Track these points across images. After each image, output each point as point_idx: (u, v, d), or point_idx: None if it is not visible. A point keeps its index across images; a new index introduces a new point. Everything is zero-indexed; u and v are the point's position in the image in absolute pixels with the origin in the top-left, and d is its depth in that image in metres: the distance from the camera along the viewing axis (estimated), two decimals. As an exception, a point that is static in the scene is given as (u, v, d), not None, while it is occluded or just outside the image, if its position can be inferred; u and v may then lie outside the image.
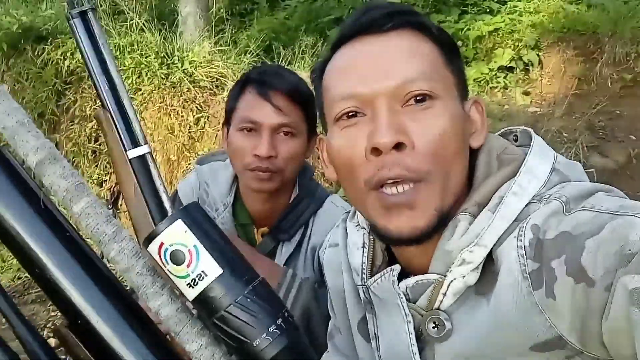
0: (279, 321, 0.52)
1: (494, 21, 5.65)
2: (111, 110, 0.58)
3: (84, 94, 4.43)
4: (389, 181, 0.69)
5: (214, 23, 5.19)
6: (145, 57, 4.27)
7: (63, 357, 0.61)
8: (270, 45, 5.43)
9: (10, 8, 4.84)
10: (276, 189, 1.28)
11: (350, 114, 0.72)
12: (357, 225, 0.83)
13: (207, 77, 4.22)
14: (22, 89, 4.59)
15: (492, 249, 0.67)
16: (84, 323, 0.53)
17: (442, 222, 0.70)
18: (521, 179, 0.69)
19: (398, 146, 0.68)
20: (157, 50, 4.31)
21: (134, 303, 0.56)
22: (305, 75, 1.30)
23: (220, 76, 4.26)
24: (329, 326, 1.00)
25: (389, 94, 0.70)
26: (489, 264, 0.68)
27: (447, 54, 0.75)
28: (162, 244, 0.52)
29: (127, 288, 0.60)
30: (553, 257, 0.61)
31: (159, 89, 4.18)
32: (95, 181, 4.33)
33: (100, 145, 4.37)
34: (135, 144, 0.58)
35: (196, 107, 4.15)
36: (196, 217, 0.53)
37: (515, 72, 5.37)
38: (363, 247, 0.81)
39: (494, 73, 5.36)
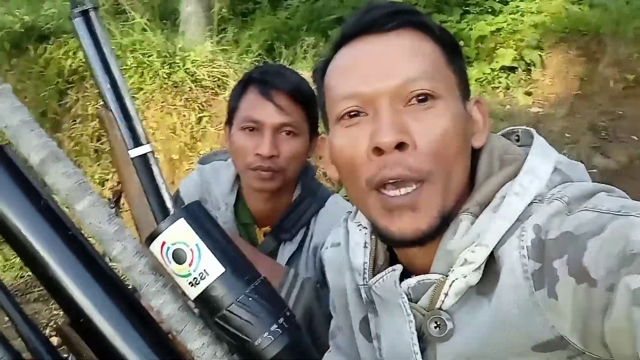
0: (281, 320, 0.52)
1: (496, 21, 5.64)
2: (113, 110, 0.58)
3: (86, 93, 4.43)
4: (391, 181, 0.69)
5: (216, 22, 5.20)
6: (148, 57, 4.28)
7: (65, 355, 0.61)
8: (272, 44, 5.43)
9: (12, 7, 4.85)
10: (278, 188, 1.28)
11: (352, 113, 0.72)
12: (358, 225, 0.83)
13: (209, 77, 4.23)
14: (25, 88, 4.60)
15: (493, 249, 0.67)
16: (86, 321, 0.53)
17: (444, 222, 0.70)
18: (523, 178, 0.69)
19: (400, 146, 0.68)
20: (159, 49, 4.31)
21: (136, 302, 0.56)
22: (307, 74, 1.30)
23: (222, 76, 4.26)
24: (331, 326, 1.01)
25: (391, 94, 0.70)
26: (491, 264, 0.68)
27: (449, 53, 0.75)
28: (164, 242, 0.52)
29: (129, 287, 0.60)
30: (555, 257, 0.61)
31: (161, 88, 4.19)
32: (97, 180, 4.34)
33: (102, 144, 4.38)
34: (137, 143, 0.58)
35: (198, 106, 4.16)
36: (198, 216, 0.53)
37: (517, 72, 5.37)
38: (365, 246, 0.81)
39: (495, 73, 5.36)
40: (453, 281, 0.69)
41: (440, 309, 0.71)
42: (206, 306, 0.52)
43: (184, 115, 4.14)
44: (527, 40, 5.37)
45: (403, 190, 0.69)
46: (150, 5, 5.27)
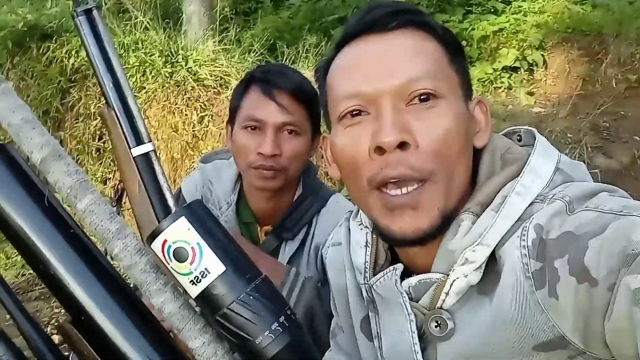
0: (282, 319, 0.52)
1: (498, 21, 5.63)
2: (115, 108, 0.58)
3: (88, 92, 4.44)
4: (392, 180, 0.69)
5: (218, 22, 5.19)
6: (150, 56, 4.28)
7: (67, 353, 0.61)
8: (274, 44, 5.42)
9: (15, 6, 4.86)
10: (280, 187, 1.28)
11: (354, 112, 0.72)
12: (360, 224, 0.83)
13: (211, 76, 4.23)
14: (27, 86, 4.60)
15: (495, 248, 0.67)
16: (87, 319, 0.53)
17: (445, 222, 0.70)
18: (525, 178, 0.69)
19: (402, 145, 0.68)
20: (161, 48, 4.31)
21: (137, 300, 0.56)
22: (309, 74, 1.30)
23: (224, 75, 4.26)
24: (332, 325, 1.01)
25: (393, 93, 0.70)
26: (492, 263, 0.68)
27: (451, 53, 0.75)
28: (165, 241, 0.52)
29: (131, 285, 0.60)
30: (556, 257, 0.61)
31: (163, 87, 4.19)
32: (99, 179, 4.34)
33: (104, 143, 4.39)
34: (139, 141, 0.58)
35: (200, 105, 4.16)
36: (199, 214, 0.53)
37: (519, 72, 5.35)
38: (366, 246, 0.81)
39: (498, 73, 5.34)
40: (454, 280, 0.69)
41: (441, 308, 0.71)
42: (207, 304, 0.52)
43: (186, 114, 4.14)
44: (529, 40, 5.36)
45: (404, 190, 0.69)
46: (152, 4, 5.27)
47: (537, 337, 0.64)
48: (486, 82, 5.31)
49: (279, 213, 1.35)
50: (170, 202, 0.59)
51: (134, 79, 4.18)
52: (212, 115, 4.14)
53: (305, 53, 5.00)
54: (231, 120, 1.33)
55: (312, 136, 1.30)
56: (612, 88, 4.91)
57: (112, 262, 0.58)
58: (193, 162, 3.97)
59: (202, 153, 3.86)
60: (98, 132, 4.39)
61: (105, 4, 5.14)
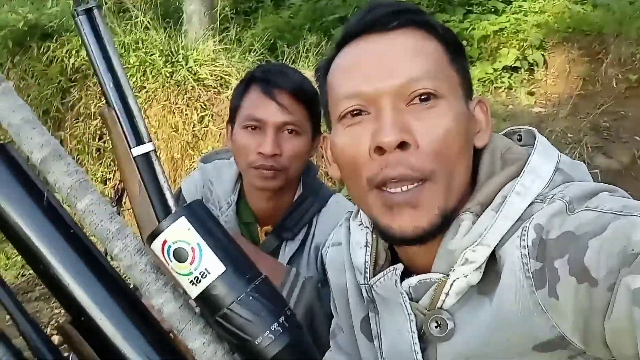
0: (282, 319, 0.52)
1: (498, 21, 5.63)
2: (116, 108, 0.58)
3: (88, 92, 4.44)
4: (393, 180, 0.69)
5: (218, 21, 5.19)
6: (150, 55, 4.28)
7: (66, 354, 0.61)
8: (275, 43, 5.42)
9: (16, 5, 4.86)
10: (280, 187, 1.28)
11: (354, 112, 0.72)
12: (360, 224, 0.83)
13: (211, 76, 4.23)
14: (27, 86, 4.61)
15: (495, 248, 0.67)
16: (87, 320, 0.53)
17: (445, 221, 0.70)
18: (525, 178, 0.69)
19: (402, 145, 0.68)
20: (161, 48, 4.31)
21: (137, 300, 0.56)
22: (309, 74, 1.30)
23: (224, 74, 4.27)
24: (332, 325, 1.01)
25: (394, 93, 0.70)
26: (492, 263, 0.68)
27: (452, 53, 0.75)
28: (165, 241, 0.52)
29: (131, 285, 0.60)
30: (556, 257, 0.61)
31: (163, 87, 4.19)
32: (99, 179, 4.34)
33: (104, 142, 4.39)
34: (139, 141, 0.58)
35: (200, 105, 4.16)
36: (199, 214, 0.53)
37: (520, 72, 5.35)
38: (366, 246, 0.81)
39: (498, 73, 5.34)
40: (454, 281, 0.69)
41: (441, 308, 0.71)
42: (207, 305, 0.52)
43: (186, 114, 4.14)
44: (530, 40, 5.35)
45: (404, 187, 0.68)
46: (153, 4, 5.27)
47: (537, 337, 0.64)
48: (486, 82, 5.31)
49: (279, 213, 1.35)
50: (171, 202, 0.59)
51: (134, 79, 4.18)
52: (212, 115, 4.14)
53: (306, 53, 5.00)
54: (231, 120, 1.33)
55: (312, 136, 1.30)
56: (612, 88, 4.90)
57: (112, 263, 0.58)
58: (193, 162, 3.97)
59: (202, 153, 3.86)
60: (98, 132, 4.39)
61: (106, 3, 5.14)
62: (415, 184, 0.68)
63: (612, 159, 4.37)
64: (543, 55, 5.34)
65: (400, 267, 0.75)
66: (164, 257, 0.52)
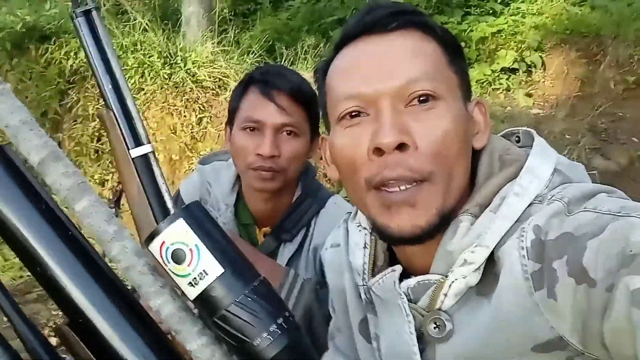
0: (280, 321, 0.52)
1: (497, 23, 5.64)
2: (114, 110, 0.58)
3: (87, 94, 4.44)
4: (391, 182, 0.69)
5: (217, 23, 5.20)
6: (149, 57, 4.28)
7: (64, 356, 0.61)
8: (273, 45, 5.43)
9: (14, 7, 4.86)
10: (279, 188, 1.28)
11: (353, 113, 0.72)
12: (358, 226, 0.83)
13: (209, 77, 4.23)
14: (26, 88, 4.61)
15: (493, 249, 0.67)
16: (85, 322, 0.53)
17: (443, 222, 0.70)
18: (523, 179, 0.69)
19: (401, 146, 0.68)
20: (160, 50, 4.32)
21: (135, 302, 0.56)
22: (308, 75, 1.30)
23: (223, 76, 4.27)
24: (330, 326, 1.00)
25: (393, 94, 0.70)
26: (491, 264, 0.68)
27: (450, 54, 0.75)
28: (163, 242, 0.52)
29: (129, 287, 0.60)
30: (555, 258, 0.61)
31: (161, 88, 4.19)
32: (97, 180, 4.34)
33: (102, 144, 4.38)
34: (138, 143, 0.58)
35: (199, 107, 4.16)
36: (198, 216, 0.53)
37: (518, 73, 5.36)
38: (364, 247, 0.81)
39: (496, 74, 5.35)
40: (453, 282, 0.69)
41: (439, 309, 0.71)
42: (205, 306, 0.52)
43: (185, 116, 4.15)
44: (528, 42, 5.36)
45: (402, 187, 0.68)
46: (151, 6, 5.28)
47: (535, 338, 0.64)
48: (485, 84, 5.32)
49: (278, 214, 1.35)
50: (169, 203, 0.59)
51: (132, 81, 4.18)
52: (210, 117, 4.14)
53: (304, 54, 5.01)
54: (230, 122, 1.33)
55: (311, 137, 1.30)
56: (610, 89, 4.91)
57: (109, 264, 0.58)
58: (192, 164, 3.97)
59: (200, 154, 3.87)
60: (97, 134, 4.39)
61: (104, 5, 5.15)
62: (414, 184, 0.68)
63: (610, 160, 4.38)
64: (541, 56, 5.35)
65: (398, 268, 0.75)
66: (162, 259, 0.52)
